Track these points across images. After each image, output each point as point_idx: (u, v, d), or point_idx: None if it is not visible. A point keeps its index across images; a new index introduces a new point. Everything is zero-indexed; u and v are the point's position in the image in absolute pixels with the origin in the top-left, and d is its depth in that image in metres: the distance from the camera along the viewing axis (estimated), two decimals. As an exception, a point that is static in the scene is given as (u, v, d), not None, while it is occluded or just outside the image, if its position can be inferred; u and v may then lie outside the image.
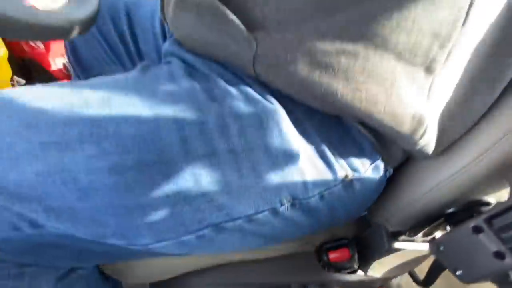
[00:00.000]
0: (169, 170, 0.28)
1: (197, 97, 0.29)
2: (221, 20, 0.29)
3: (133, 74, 0.32)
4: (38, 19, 0.32)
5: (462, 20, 0.26)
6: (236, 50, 0.30)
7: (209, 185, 0.29)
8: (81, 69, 0.58)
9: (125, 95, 0.29)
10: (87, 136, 0.27)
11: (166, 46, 0.39)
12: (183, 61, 0.33)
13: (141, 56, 0.53)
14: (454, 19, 0.26)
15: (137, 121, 0.28)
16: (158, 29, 0.51)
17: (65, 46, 0.60)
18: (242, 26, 0.28)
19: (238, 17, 0.29)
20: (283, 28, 0.28)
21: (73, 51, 0.57)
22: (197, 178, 0.28)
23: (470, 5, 0.26)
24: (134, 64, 0.53)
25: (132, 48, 0.53)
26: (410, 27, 0.26)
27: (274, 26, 0.28)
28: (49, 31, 0.33)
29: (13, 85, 0.87)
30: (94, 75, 0.40)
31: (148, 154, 0.27)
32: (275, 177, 0.30)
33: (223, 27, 0.29)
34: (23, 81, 0.89)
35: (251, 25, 0.29)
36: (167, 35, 0.50)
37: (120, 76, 0.32)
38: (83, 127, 0.27)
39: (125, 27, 0.52)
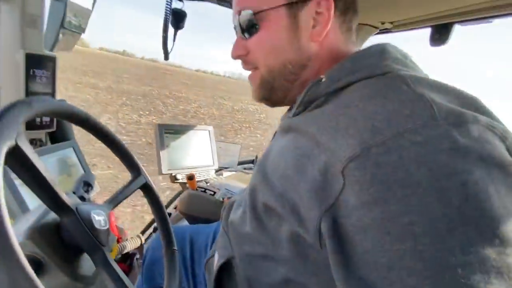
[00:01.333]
0: None
1: None
2: None
3: None
4: None
5: None
6: None
7: None
8: (147, 272, 0.73)
9: None
10: None
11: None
12: None
13: (194, 273, 0.68)
14: None
15: None
16: (208, 254, 0.63)
17: (143, 254, 0.76)
18: None
19: None
20: None
21: (149, 266, 0.72)
22: None
23: None
24: (186, 276, 0.68)
25: (189, 269, 0.69)
26: None
27: None
28: None
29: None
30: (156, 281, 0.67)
31: None
32: None
33: None
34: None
35: None
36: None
37: None
38: None
39: (187, 254, 0.70)
